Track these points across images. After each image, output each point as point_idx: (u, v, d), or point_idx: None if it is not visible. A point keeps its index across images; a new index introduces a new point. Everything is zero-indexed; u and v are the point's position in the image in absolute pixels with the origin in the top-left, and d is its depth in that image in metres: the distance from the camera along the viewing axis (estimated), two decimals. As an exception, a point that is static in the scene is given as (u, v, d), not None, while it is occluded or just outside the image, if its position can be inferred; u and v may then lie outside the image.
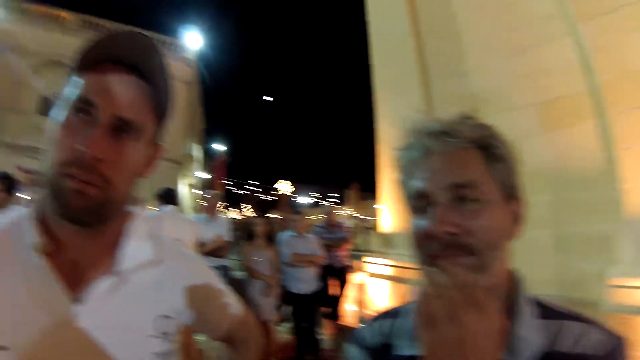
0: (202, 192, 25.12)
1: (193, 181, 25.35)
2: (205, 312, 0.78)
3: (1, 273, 0.60)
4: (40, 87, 16.22)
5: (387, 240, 5.45)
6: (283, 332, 4.66)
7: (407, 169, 0.65)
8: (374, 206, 24.93)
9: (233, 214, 31.87)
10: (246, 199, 38.14)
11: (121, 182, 0.61)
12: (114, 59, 0.61)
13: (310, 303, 4.39)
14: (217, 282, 0.82)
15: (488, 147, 0.61)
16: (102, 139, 0.57)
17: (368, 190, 30.90)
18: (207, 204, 4.43)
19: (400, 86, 5.32)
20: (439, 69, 4.94)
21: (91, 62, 0.60)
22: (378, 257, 5.45)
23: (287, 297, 4.37)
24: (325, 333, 4.96)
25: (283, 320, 4.63)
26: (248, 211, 37.28)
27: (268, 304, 4.02)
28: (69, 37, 16.32)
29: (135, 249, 0.67)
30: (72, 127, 0.58)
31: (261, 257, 4.13)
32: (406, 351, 0.62)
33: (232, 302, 0.85)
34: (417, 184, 0.61)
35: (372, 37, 5.85)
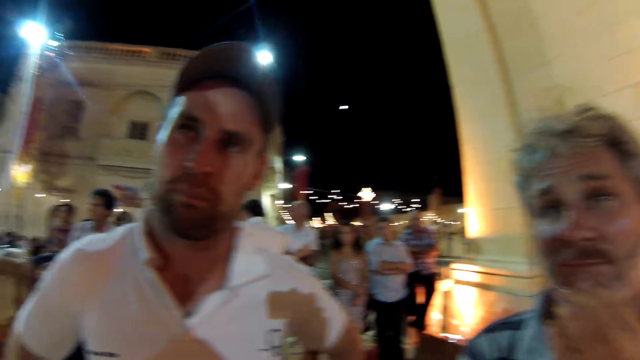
0: (282, 203, 25.86)
1: (275, 192, 26.15)
2: (311, 324, 0.78)
3: (114, 286, 0.63)
4: (128, 114, 17.98)
5: (475, 246, 5.18)
6: (367, 341, 4.60)
7: (528, 171, 0.59)
8: (458, 211, 24.03)
9: (315, 223, 32.20)
10: (328, 208, 38.46)
11: (230, 196, 0.59)
12: (215, 74, 0.60)
13: (396, 311, 4.28)
14: (324, 294, 0.80)
15: (619, 143, 0.54)
16: (210, 153, 0.56)
17: (450, 194, 29.97)
18: (293, 214, 4.45)
19: (479, 83, 5.05)
20: (518, 62, 4.62)
21: (192, 79, 0.60)
22: (464, 264, 5.19)
23: (374, 305, 4.29)
24: (409, 342, 4.83)
25: (368, 328, 4.57)
26: (330, 220, 37.78)
27: (355, 313, 3.96)
28: (151, 68, 18.03)
29: (245, 263, 0.67)
30: (179, 144, 0.58)
31: (349, 266, 4.08)
32: None
33: (338, 314, 0.83)
34: (543, 183, 0.55)
35: (444, 36, 5.63)
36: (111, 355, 0.59)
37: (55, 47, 16.55)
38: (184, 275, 0.64)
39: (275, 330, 0.68)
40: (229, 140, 0.59)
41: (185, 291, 0.62)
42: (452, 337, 4.61)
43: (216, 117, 0.58)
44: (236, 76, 0.60)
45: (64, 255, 0.68)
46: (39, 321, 0.68)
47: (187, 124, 0.58)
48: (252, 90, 0.61)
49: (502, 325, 0.65)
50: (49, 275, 0.67)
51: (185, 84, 0.60)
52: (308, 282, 0.77)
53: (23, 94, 16.61)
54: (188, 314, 0.61)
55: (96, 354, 0.61)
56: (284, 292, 0.70)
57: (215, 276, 0.65)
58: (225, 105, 0.59)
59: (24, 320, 0.70)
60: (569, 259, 0.51)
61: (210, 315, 0.61)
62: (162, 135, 0.61)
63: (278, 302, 0.69)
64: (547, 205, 0.55)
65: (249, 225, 0.73)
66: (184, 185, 0.56)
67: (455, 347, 4.34)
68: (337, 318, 0.82)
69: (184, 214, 0.56)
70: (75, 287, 0.64)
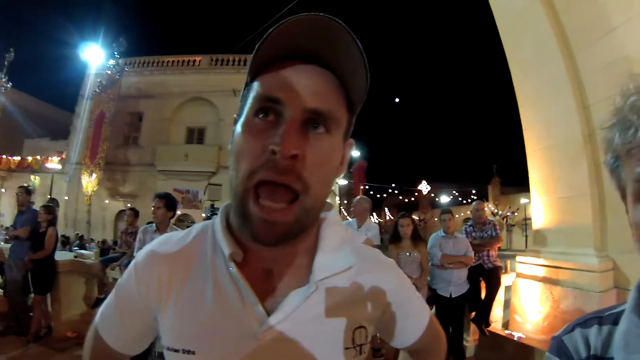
0: (339, 199, 25.96)
1: (334, 187, 26.36)
2: (395, 319, 0.72)
3: (192, 283, 0.62)
4: (184, 120, 18.87)
5: (539, 238, 4.82)
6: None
7: (621, 151, 0.50)
8: (521, 201, 22.92)
9: (374, 217, 32.17)
10: (385, 202, 38.39)
11: (319, 184, 0.54)
12: (291, 52, 0.53)
13: (458, 307, 4.12)
14: (410, 287, 0.75)
15: None
16: (295, 134, 0.50)
17: (509, 184, 28.70)
18: (355, 209, 4.37)
19: (538, 62, 4.65)
20: (579, 34, 4.20)
21: (266, 62, 0.54)
22: (528, 256, 4.86)
23: (434, 299, 4.17)
24: (471, 339, 4.62)
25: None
26: (388, 214, 37.59)
27: None
28: (202, 75, 18.92)
29: (330, 256, 0.62)
30: (259, 130, 0.53)
31: (408, 259, 4.00)
32: None
33: (423, 309, 0.77)
34: None
35: (496, 14, 5.24)
36: (188, 352, 0.58)
37: (114, 65, 17.87)
38: (265, 270, 0.61)
39: (361, 327, 0.64)
40: (314, 120, 0.53)
41: (267, 287, 0.60)
42: (515, 334, 4.34)
43: (298, 95, 0.52)
44: (314, 52, 0.53)
45: (140, 255, 0.68)
46: (117, 318, 0.68)
47: (266, 106, 0.53)
48: (334, 66, 0.54)
49: (596, 320, 0.57)
50: (126, 275, 0.68)
51: (258, 68, 0.55)
52: (394, 275, 0.72)
53: (87, 110, 18.21)
54: (270, 311, 0.58)
55: (173, 350, 0.60)
56: (369, 286, 0.66)
57: (298, 271, 0.62)
58: (307, 83, 0.53)
59: (102, 316, 0.71)
60: None
61: (294, 312, 0.58)
62: (239, 124, 0.57)
63: (365, 298, 0.65)
64: None
65: (332, 215, 0.68)
66: (267, 174, 0.50)
67: (518, 345, 4.10)
68: (421, 313, 0.77)
69: (261, 229, 0.52)
70: (151, 286, 0.64)
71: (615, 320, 0.54)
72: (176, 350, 0.60)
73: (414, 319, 0.75)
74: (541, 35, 4.53)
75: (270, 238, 0.53)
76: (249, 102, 0.56)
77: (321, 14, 0.51)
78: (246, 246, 0.60)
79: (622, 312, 0.53)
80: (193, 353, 0.58)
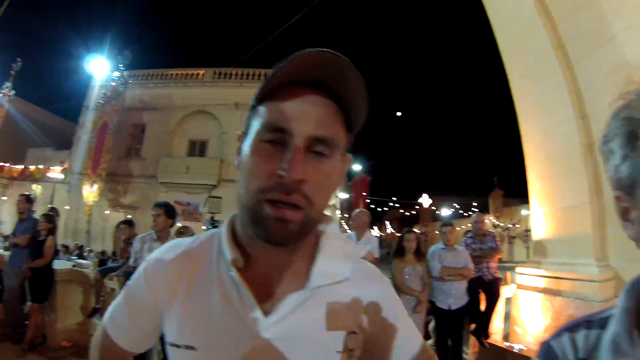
0: (341, 212, 25.90)
1: (334, 201, 26.29)
2: (382, 340, 0.71)
3: (199, 283, 0.67)
4: (187, 133, 18.96)
5: (540, 248, 4.79)
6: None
7: (622, 151, 0.49)
8: (522, 212, 22.79)
9: (375, 231, 32.07)
10: (386, 216, 38.35)
11: (321, 200, 0.61)
12: (295, 81, 0.59)
13: (457, 319, 4.09)
14: (402, 311, 0.75)
15: None
16: (300, 161, 0.56)
17: (511, 196, 28.61)
18: (355, 222, 4.38)
19: (538, 73, 4.70)
20: (579, 43, 4.24)
21: (272, 88, 0.60)
22: (529, 267, 4.81)
23: (434, 312, 4.16)
24: (470, 352, 4.56)
25: (427, 336, 4.40)
26: (389, 228, 37.36)
27: (417, 321, 3.81)
28: (205, 89, 19.00)
29: (328, 265, 0.67)
30: (267, 154, 0.59)
31: (412, 272, 4.02)
32: None
33: (414, 336, 0.74)
34: None
35: (495, 27, 5.31)
36: (189, 347, 0.63)
37: (119, 77, 18.02)
38: (265, 275, 0.66)
39: (354, 332, 0.67)
40: (317, 146, 0.59)
41: (266, 291, 0.64)
42: (516, 346, 4.29)
43: (302, 124, 0.58)
44: (319, 79, 0.59)
45: (150, 258, 0.73)
46: (126, 318, 0.72)
47: (274, 136, 0.59)
48: (339, 92, 0.60)
49: (584, 324, 0.57)
50: (136, 277, 0.73)
51: (266, 93, 0.60)
52: (388, 292, 0.74)
53: (91, 121, 18.34)
54: (267, 313, 0.62)
55: (176, 346, 0.65)
56: (364, 297, 0.69)
57: (296, 277, 0.66)
58: (311, 110, 0.59)
59: (111, 316, 0.76)
60: None
61: (289, 315, 0.62)
62: (247, 145, 0.62)
63: (358, 306, 0.68)
64: None
65: (331, 229, 0.72)
66: (277, 194, 0.56)
67: (519, 357, 4.05)
68: (412, 340, 0.74)
69: (276, 228, 0.57)
70: (160, 289, 0.68)
71: (603, 324, 0.53)
72: (178, 346, 0.64)
73: (403, 344, 0.72)
74: (540, 46, 4.57)
75: (283, 236, 0.58)
76: (256, 126, 0.61)
77: (329, 50, 0.56)
78: (249, 253, 0.66)
79: (610, 316, 0.53)
80: (194, 349, 0.62)
